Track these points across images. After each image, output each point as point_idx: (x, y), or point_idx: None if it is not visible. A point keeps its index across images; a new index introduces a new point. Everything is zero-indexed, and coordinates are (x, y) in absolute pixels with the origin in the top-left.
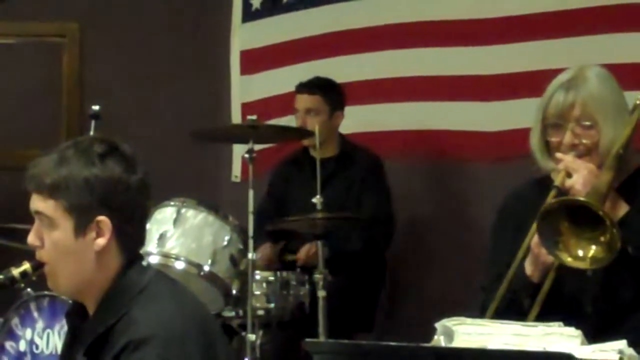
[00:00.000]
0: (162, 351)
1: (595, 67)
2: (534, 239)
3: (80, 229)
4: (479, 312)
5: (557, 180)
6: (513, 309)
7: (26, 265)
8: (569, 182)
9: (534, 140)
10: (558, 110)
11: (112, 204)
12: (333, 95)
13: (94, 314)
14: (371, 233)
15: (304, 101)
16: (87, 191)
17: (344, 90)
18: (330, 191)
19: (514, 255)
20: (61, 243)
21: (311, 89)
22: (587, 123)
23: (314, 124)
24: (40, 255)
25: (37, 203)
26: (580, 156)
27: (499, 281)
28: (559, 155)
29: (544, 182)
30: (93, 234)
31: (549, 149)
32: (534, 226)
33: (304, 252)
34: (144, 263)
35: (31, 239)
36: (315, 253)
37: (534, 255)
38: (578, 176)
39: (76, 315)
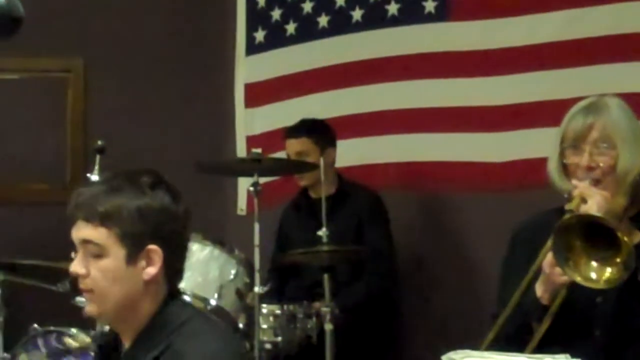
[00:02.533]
0: None
1: (614, 96)
2: (546, 259)
3: (132, 257)
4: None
5: (572, 205)
6: (523, 333)
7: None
8: (583, 208)
9: (552, 164)
10: (577, 133)
11: (163, 233)
12: (320, 134)
13: (134, 344)
14: (374, 274)
15: (292, 146)
16: (140, 220)
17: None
18: (330, 230)
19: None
20: (111, 271)
21: (297, 133)
22: (605, 145)
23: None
24: (85, 283)
25: (86, 231)
26: (596, 179)
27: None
28: (574, 182)
29: (556, 213)
30: (143, 263)
31: (567, 172)
32: (547, 245)
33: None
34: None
35: (76, 267)
36: None
37: (546, 276)
38: (592, 202)
39: (108, 345)
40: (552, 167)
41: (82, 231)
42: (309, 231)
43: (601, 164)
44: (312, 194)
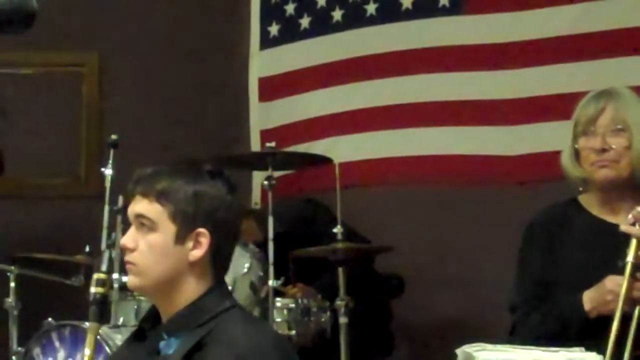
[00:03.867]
0: None
1: (626, 88)
2: (613, 281)
3: (181, 236)
4: (508, 333)
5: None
6: (562, 334)
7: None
8: None
9: (565, 152)
10: (589, 117)
11: (214, 219)
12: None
13: (171, 321)
14: None
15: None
16: (194, 202)
17: (367, 118)
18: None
19: (543, 276)
20: (159, 246)
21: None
22: (619, 127)
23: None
24: (132, 257)
25: (142, 206)
26: (609, 161)
27: (536, 301)
28: (623, 227)
29: (570, 205)
30: (191, 244)
31: (578, 159)
32: (627, 270)
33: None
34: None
35: (126, 240)
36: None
37: (607, 300)
38: None
39: (146, 321)
40: (566, 154)
41: (137, 205)
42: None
43: (614, 146)
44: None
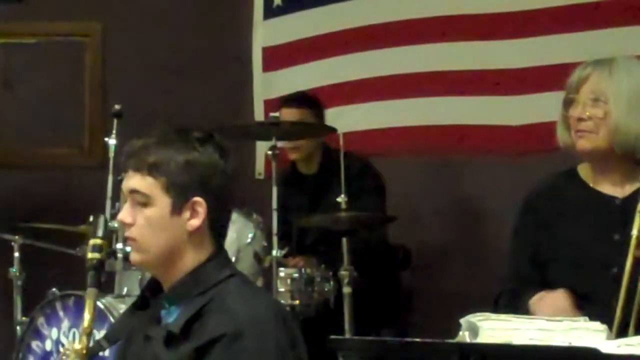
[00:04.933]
0: (260, 344)
1: (633, 58)
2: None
3: (177, 207)
4: (493, 303)
5: None
6: None
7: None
8: None
9: (558, 120)
10: (572, 85)
11: (209, 186)
12: (318, 109)
13: (172, 289)
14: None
15: (292, 114)
16: (187, 172)
17: (369, 88)
18: (323, 206)
19: (535, 250)
20: (156, 219)
21: (300, 103)
22: (596, 97)
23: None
24: (131, 232)
25: (135, 181)
26: (587, 132)
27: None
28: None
29: (565, 176)
30: (188, 214)
31: (567, 125)
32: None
33: (292, 263)
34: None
35: (123, 216)
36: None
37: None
38: None
39: (148, 290)
40: (558, 122)
41: (131, 181)
42: (302, 209)
43: (589, 115)
44: (302, 169)
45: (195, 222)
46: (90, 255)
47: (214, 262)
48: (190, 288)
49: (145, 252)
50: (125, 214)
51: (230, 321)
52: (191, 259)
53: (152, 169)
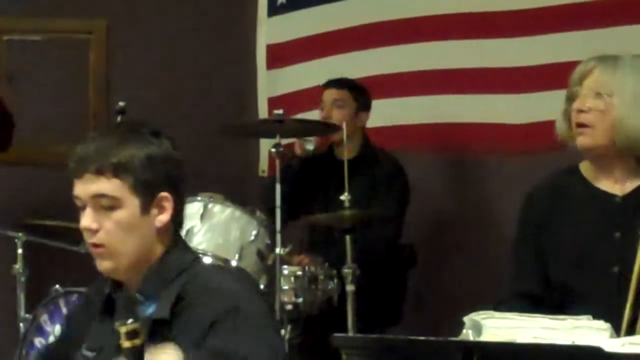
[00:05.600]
0: (257, 309)
1: (637, 55)
2: None
3: (146, 206)
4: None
5: None
6: None
7: None
8: None
9: (559, 115)
10: (576, 78)
11: (171, 179)
12: (360, 94)
13: (142, 284)
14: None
15: (331, 94)
16: (151, 168)
17: (372, 86)
18: (353, 191)
19: (537, 251)
20: (126, 221)
21: (340, 85)
22: (600, 91)
23: (339, 116)
24: (99, 238)
25: (100, 185)
26: (585, 126)
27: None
28: None
29: (569, 173)
30: (155, 211)
31: (569, 117)
32: None
33: (297, 260)
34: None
35: (87, 222)
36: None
37: None
38: None
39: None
40: (559, 117)
41: (93, 185)
42: (330, 190)
43: (590, 107)
44: (338, 154)
45: (164, 218)
46: (127, 344)
47: (177, 249)
48: (164, 275)
49: (116, 257)
50: (89, 220)
51: (222, 298)
52: (158, 253)
53: (117, 170)
